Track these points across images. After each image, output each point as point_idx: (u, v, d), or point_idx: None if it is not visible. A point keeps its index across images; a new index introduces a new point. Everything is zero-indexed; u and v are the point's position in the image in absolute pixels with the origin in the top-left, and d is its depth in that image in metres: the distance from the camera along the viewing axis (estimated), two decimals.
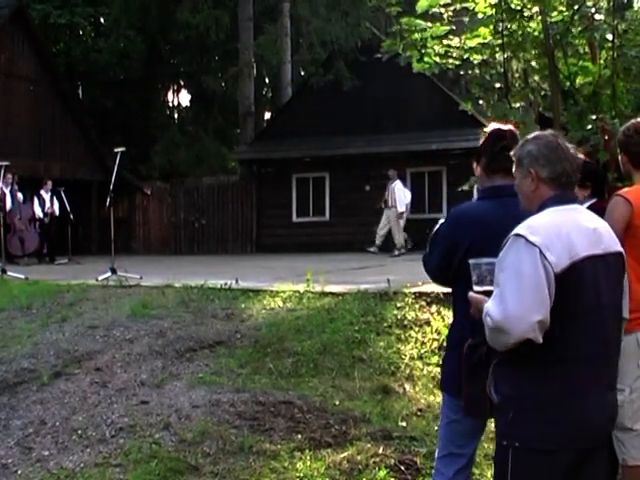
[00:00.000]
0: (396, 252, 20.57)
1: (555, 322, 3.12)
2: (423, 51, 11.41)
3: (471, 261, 3.53)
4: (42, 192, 21.37)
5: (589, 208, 5.11)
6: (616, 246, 3.39)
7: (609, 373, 3.34)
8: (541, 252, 3.10)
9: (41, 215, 21.15)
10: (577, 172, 3.43)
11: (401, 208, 21.07)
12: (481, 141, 4.26)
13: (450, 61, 11.76)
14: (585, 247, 3.19)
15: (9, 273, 14.58)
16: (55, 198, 21.50)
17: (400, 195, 21.19)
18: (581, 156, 3.51)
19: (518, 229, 3.21)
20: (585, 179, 5.37)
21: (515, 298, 3.10)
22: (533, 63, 12.57)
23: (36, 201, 21.21)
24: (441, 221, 4.23)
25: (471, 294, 3.50)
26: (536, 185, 3.41)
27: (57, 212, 21.49)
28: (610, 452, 4.71)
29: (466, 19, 10.98)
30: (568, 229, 3.21)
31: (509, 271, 3.18)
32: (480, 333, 3.32)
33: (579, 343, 3.19)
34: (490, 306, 3.20)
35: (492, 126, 4.34)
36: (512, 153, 3.59)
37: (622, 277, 3.42)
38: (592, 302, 3.20)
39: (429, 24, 11.04)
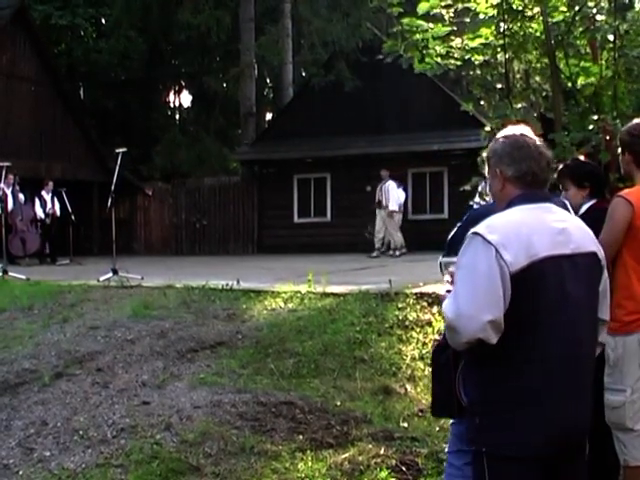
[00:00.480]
0: (397, 252, 20.56)
1: (515, 324, 3.06)
2: (424, 52, 11.40)
3: (442, 260, 3.51)
4: (43, 193, 21.40)
5: (590, 209, 5.14)
6: (590, 246, 3.31)
7: (578, 376, 3.23)
8: (497, 251, 3.04)
9: (42, 216, 21.17)
10: (547, 170, 3.36)
11: (392, 207, 21.01)
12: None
13: (451, 62, 11.75)
14: (547, 247, 3.12)
15: (10, 274, 14.58)
16: (56, 199, 21.52)
17: (393, 195, 21.14)
18: (549, 154, 3.42)
19: (477, 227, 3.16)
20: (583, 180, 5.38)
21: (468, 297, 3.06)
22: (534, 63, 12.57)
23: (37, 202, 21.24)
24: (458, 224, 4.21)
25: (442, 293, 3.48)
26: (502, 184, 3.38)
27: (58, 213, 21.51)
28: (611, 453, 4.73)
29: (467, 20, 10.97)
30: (530, 229, 3.14)
31: (464, 270, 3.14)
32: None
33: (541, 346, 3.11)
34: (445, 304, 3.18)
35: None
36: (483, 153, 3.58)
37: (596, 277, 3.34)
38: (555, 303, 3.12)
39: (430, 25, 11.03)
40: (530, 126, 3.55)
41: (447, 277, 3.44)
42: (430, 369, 3.81)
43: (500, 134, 3.49)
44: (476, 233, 3.13)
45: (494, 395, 3.18)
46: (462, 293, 3.09)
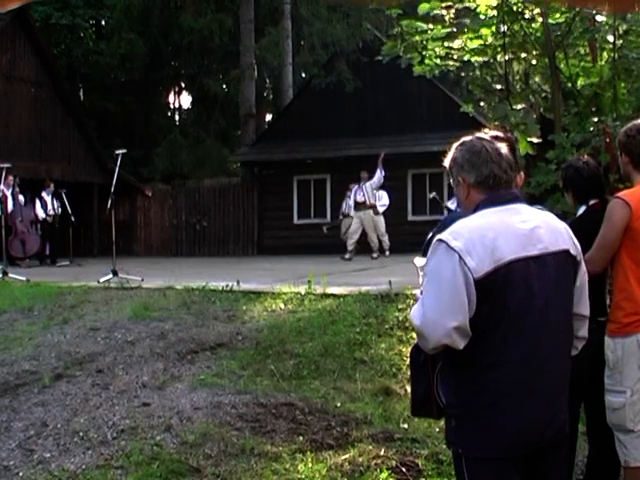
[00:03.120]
0: (387, 253, 20.56)
1: (482, 328, 3.08)
2: (424, 53, 11.41)
3: (417, 263, 3.52)
4: (44, 194, 21.41)
5: (589, 209, 5.13)
6: (561, 244, 3.28)
7: (549, 376, 3.23)
8: (461, 258, 3.05)
9: (44, 216, 21.19)
10: (509, 171, 3.34)
11: (381, 207, 20.89)
12: None
13: (451, 63, 11.76)
14: (513, 250, 3.11)
15: (10, 275, 14.58)
16: (56, 200, 21.53)
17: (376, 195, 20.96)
18: (507, 153, 3.41)
19: (442, 234, 3.17)
20: (565, 184, 5.37)
21: (432, 304, 3.09)
22: (534, 64, 12.58)
23: (38, 203, 21.25)
24: (434, 229, 4.19)
25: (417, 295, 3.49)
26: (467, 192, 3.38)
27: (58, 213, 21.51)
28: (613, 453, 4.73)
29: (467, 21, 10.97)
30: (496, 232, 3.14)
31: (430, 276, 3.17)
32: None
33: (510, 348, 3.12)
34: (413, 310, 3.22)
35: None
36: (444, 163, 3.59)
37: (569, 275, 3.32)
38: (523, 306, 3.12)
39: (430, 26, 11.04)
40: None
41: (421, 279, 3.45)
42: (409, 367, 3.81)
43: (457, 142, 3.51)
44: (440, 240, 3.15)
45: (467, 397, 3.21)
46: (428, 300, 3.13)
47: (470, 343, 3.09)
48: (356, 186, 20.94)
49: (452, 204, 19.50)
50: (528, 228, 3.21)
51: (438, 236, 3.17)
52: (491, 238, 3.11)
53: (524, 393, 3.14)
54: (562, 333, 3.30)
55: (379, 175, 20.50)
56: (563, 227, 3.39)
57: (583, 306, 3.44)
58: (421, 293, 3.32)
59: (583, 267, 3.42)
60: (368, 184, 20.58)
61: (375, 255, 20.73)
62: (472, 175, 3.34)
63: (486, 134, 3.56)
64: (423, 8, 10.81)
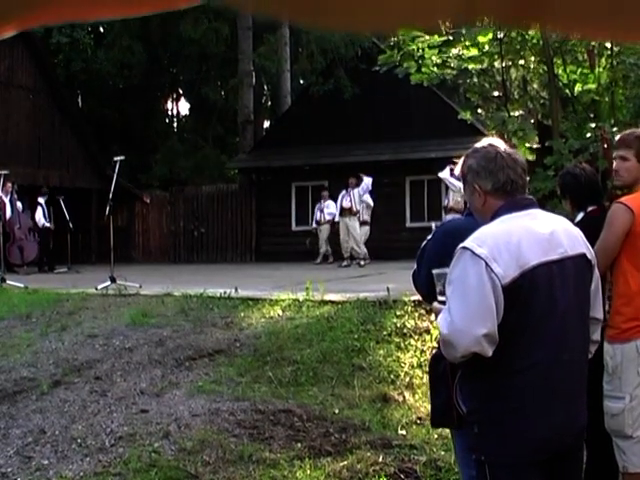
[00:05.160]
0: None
1: (509, 334, 3.08)
2: (421, 61, 11.42)
3: (434, 271, 3.50)
4: (40, 200, 21.36)
5: (587, 215, 5.13)
6: (578, 248, 3.31)
7: (570, 380, 3.26)
8: (487, 265, 3.06)
9: (46, 224, 21.15)
10: (524, 176, 3.37)
11: (365, 216, 20.80)
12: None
13: (448, 71, 11.77)
14: (537, 254, 3.13)
15: (8, 282, 14.57)
16: (51, 206, 21.50)
17: (364, 201, 20.89)
18: (521, 157, 3.44)
19: (466, 242, 3.16)
20: (563, 191, 5.37)
21: (460, 312, 3.09)
22: (532, 70, 12.60)
23: (39, 209, 21.21)
24: (428, 237, 4.16)
25: (435, 305, 3.47)
26: (484, 199, 3.37)
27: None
28: (611, 459, 4.73)
29: (463, 30, 10.98)
30: (518, 238, 3.15)
31: (456, 284, 3.16)
32: None
33: (531, 353, 3.14)
34: (439, 319, 3.21)
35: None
36: (456, 171, 3.58)
37: (586, 278, 3.35)
38: (547, 310, 3.15)
39: (426, 36, 11.05)
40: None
41: (439, 288, 3.43)
42: (428, 378, 3.81)
43: (470, 150, 3.50)
44: (465, 247, 3.14)
45: (490, 404, 3.22)
46: (455, 308, 3.12)
47: (497, 349, 3.09)
48: (344, 192, 20.93)
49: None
50: (548, 232, 3.24)
51: (462, 244, 3.16)
52: (515, 244, 3.12)
53: (549, 397, 3.17)
54: (581, 337, 3.34)
55: (367, 184, 20.46)
56: (578, 231, 3.43)
57: (597, 310, 3.46)
58: (439, 302, 3.34)
59: (597, 271, 3.45)
60: (356, 190, 20.54)
61: (362, 263, 20.50)
62: (489, 182, 3.34)
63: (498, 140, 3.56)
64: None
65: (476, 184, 3.38)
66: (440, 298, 3.39)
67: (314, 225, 22.66)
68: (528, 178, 3.54)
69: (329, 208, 22.34)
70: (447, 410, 3.51)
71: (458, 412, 3.43)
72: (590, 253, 3.39)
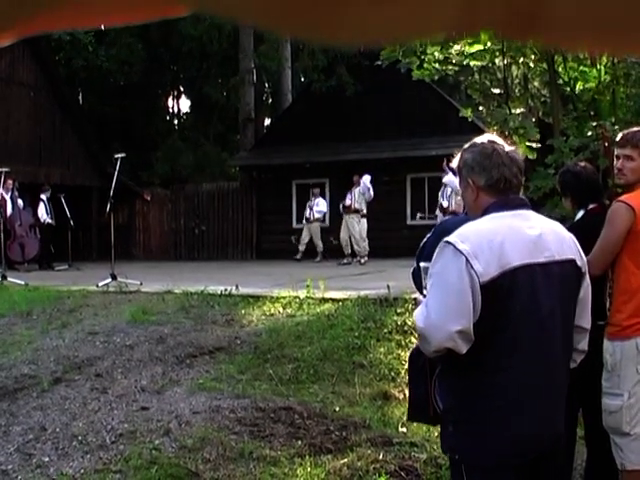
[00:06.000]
0: (362, 260, 20.43)
1: (485, 333, 3.05)
2: (423, 57, 11.42)
3: (422, 264, 3.50)
4: (43, 197, 21.35)
5: (587, 214, 5.13)
6: (567, 253, 3.27)
7: (551, 385, 3.23)
8: (467, 261, 3.02)
9: (48, 220, 21.13)
10: (519, 176, 3.33)
11: (364, 211, 20.86)
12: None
13: (450, 67, 11.77)
14: (520, 256, 3.09)
15: (9, 279, 14.58)
16: (52, 203, 21.50)
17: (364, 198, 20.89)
18: (518, 157, 3.40)
19: (450, 236, 3.13)
20: (564, 189, 5.37)
21: (437, 306, 3.06)
22: (533, 68, 12.59)
23: (42, 205, 21.19)
24: (428, 235, 4.16)
25: (419, 297, 3.47)
26: (476, 194, 3.34)
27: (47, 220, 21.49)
28: (611, 456, 4.73)
29: None
30: (503, 237, 3.11)
31: (435, 278, 3.13)
32: None
33: (512, 355, 3.11)
34: (416, 313, 3.19)
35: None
36: (452, 164, 3.57)
37: (573, 285, 3.30)
38: (527, 312, 3.11)
39: None
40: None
41: (425, 282, 3.43)
42: (407, 371, 3.79)
43: (468, 144, 3.47)
44: (448, 242, 3.11)
45: (466, 403, 3.19)
46: (432, 302, 3.10)
47: (475, 347, 3.06)
48: (349, 190, 21.00)
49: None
50: (535, 235, 3.19)
51: (445, 238, 3.14)
52: (498, 242, 3.09)
53: (525, 401, 3.14)
54: (563, 343, 3.28)
55: (367, 183, 20.47)
56: (569, 237, 3.37)
57: (585, 319, 3.41)
58: (424, 296, 3.32)
59: (587, 279, 3.39)
60: (358, 189, 20.59)
61: (363, 260, 20.58)
62: (482, 178, 3.31)
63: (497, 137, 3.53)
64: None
65: (470, 179, 3.35)
66: (425, 292, 3.38)
67: (303, 222, 22.79)
68: (525, 177, 3.51)
69: (319, 206, 22.73)
70: (424, 406, 3.49)
71: (434, 408, 3.41)
72: (581, 260, 3.34)
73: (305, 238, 22.65)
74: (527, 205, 3.35)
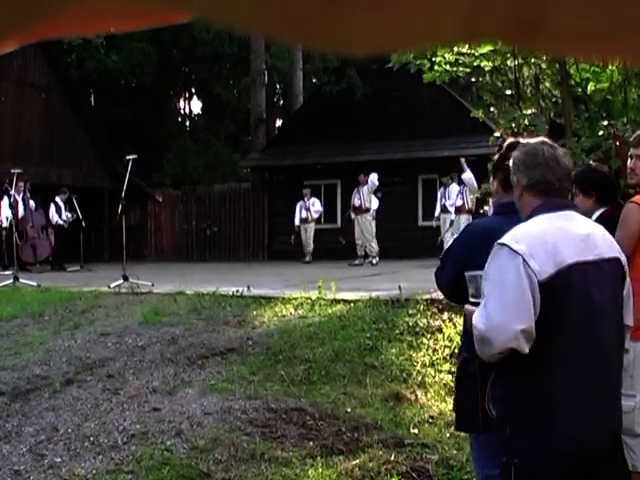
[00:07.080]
0: (374, 260, 20.33)
1: (544, 332, 3.06)
2: (433, 59, 11.41)
3: (467, 273, 3.50)
4: (57, 199, 21.38)
5: (600, 216, 5.12)
6: (612, 252, 3.31)
7: (606, 382, 3.24)
8: (524, 260, 3.05)
9: (60, 222, 21.15)
10: (564, 180, 3.35)
11: (374, 207, 20.82)
12: (497, 155, 4.14)
13: (460, 69, 11.76)
14: (573, 254, 3.12)
15: (21, 280, 14.62)
16: (68, 205, 21.55)
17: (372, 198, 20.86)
18: (567, 163, 3.42)
19: (502, 238, 3.16)
20: (588, 188, 5.36)
21: (497, 307, 3.07)
22: (544, 69, 12.56)
23: (53, 207, 21.22)
24: (455, 236, 4.18)
25: (467, 307, 3.47)
26: (520, 192, 3.39)
27: (69, 220, 21.51)
28: (621, 458, 4.71)
29: None
30: (555, 237, 3.15)
31: (492, 280, 3.15)
32: (473, 346, 3.27)
33: (568, 353, 3.12)
34: (475, 316, 3.18)
35: (509, 140, 4.26)
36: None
37: (620, 283, 3.34)
38: (582, 310, 3.13)
39: None
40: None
41: (471, 290, 3.44)
42: (455, 381, 3.79)
43: (522, 142, 3.51)
44: (502, 244, 3.14)
45: (524, 404, 3.19)
46: (492, 304, 3.10)
47: (534, 346, 3.07)
48: (355, 190, 20.99)
49: (451, 207, 19.59)
50: (584, 233, 3.23)
51: (498, 241, 3.17)
52: (551, 242, 3.12)
53: (583, 399, 3.15)
54: (616, 339, 3.31)
55: (375, 180, 20.43)
56: (611, 238, 3.43)
57: (628, 316, 3.44)
58: (471, 304, 3.34)
59: (628, 278, 3.44)
60: (365, 188, 20.57)
61: (357, 262, 20.48)
62: (525, 177, 3.35)
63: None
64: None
65: (515, 176, 3.40)
66: (472, 300, 3.39)
67: (297, 223, 22.92)
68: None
69: (315, 206, 22.83)
70: (473, 414, 3.50)
71: (484, 416, 3.41)
72: (623, 258, 3.38)
73: (309, 239, 22.74)
74: (573, 206, 3.42)
